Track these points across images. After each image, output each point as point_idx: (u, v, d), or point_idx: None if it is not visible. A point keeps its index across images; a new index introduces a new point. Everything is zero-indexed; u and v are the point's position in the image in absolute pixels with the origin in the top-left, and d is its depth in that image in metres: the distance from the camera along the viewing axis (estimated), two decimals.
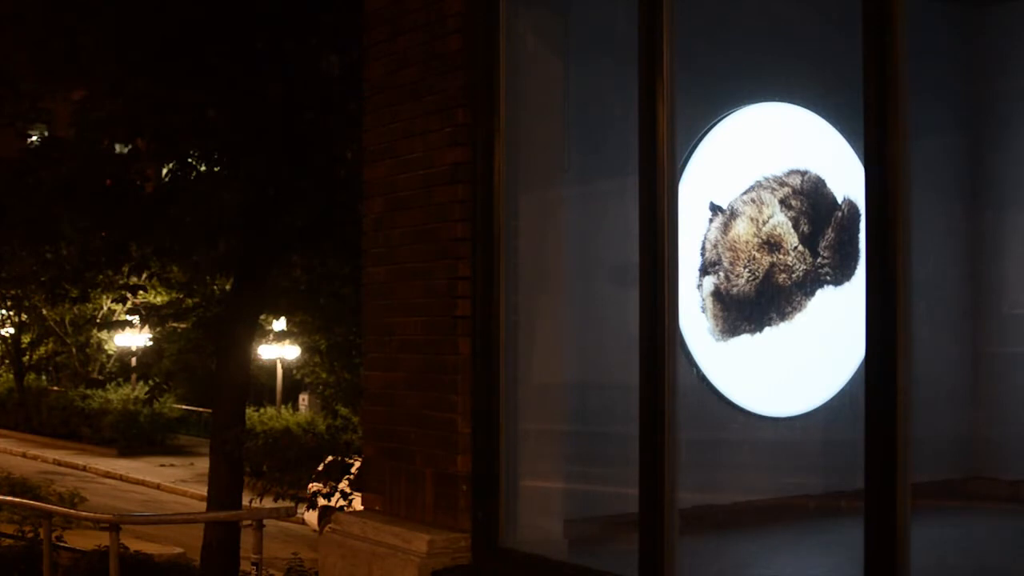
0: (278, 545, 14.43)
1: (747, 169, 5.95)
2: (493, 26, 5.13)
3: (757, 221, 5.92)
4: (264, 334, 18.45)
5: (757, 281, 5.92)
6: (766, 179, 5.98)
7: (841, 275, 6.07)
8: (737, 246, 5.87)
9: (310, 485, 11.92)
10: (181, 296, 13.71)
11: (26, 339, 29.91)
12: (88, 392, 28.83)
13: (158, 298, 16.13)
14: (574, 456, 5.53)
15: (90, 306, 24.05)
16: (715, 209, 5.83)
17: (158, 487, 23.66)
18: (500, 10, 5.14)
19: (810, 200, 6.06)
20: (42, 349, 30.26)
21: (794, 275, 5.99)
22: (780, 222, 5.96)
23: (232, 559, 11.71)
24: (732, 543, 5.58)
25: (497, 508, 5.03)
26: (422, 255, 5.37)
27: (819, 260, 6.05)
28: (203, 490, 13.89)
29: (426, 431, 5.30)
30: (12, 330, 29.77)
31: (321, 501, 10.88)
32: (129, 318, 18.04)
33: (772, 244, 5.95)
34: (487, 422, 5.07)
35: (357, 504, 8.94)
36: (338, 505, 9.86)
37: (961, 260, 6.55)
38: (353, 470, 11.11)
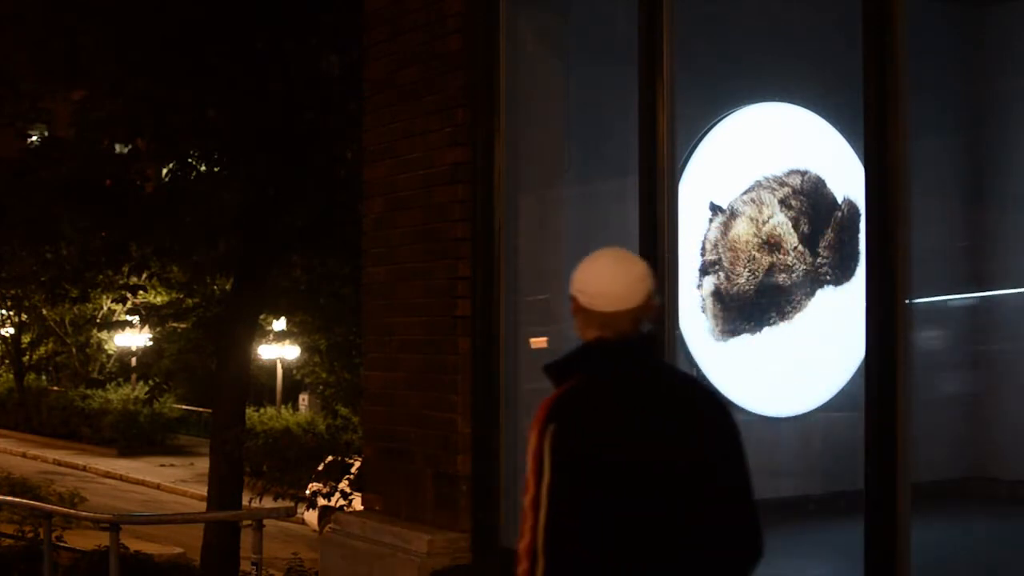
0: (278, 545, 14.42)
1: (747, 169, 5.95)
2: (493, 26, 5.13)
3: (757, 221, 5.92)
4: (264, 334, 18.44)
5: (757, 281, 5.92)
6: (766, 179, 5.98)
7: (841, 275, 6.06)
8: (737, 246, 5.87)
9: (310, 485, 11.92)
10: (181, 296, 13.69)
11: (26, 339, 29.87)
12: (88, 392, 28.79)
13: (158, 298, 16.11)
14: None
15: (90, 306, 24.01)
16: (715, 209, 5.83)
17: (158, 487, 23.64)
18: (500, 10, 5.14)
19: (810, 200, 6.06)
20: (42, 349, 30.22)
21: (794, 275, 5.99)
22: (780, 222, 5.96)
23: (232, 559, 11.70)
24: None
25: (497, 508, 5.03)
26: (422, 255, 5.37)
27: (819, 260, 6.05)
28: (203, 490, 13.88)
29: (426, 431, 5.30)
30: (12, 330, 29.73)
31: (321, 501, 10.87)
32: (129, 318, 18.02)
33: (772, 244, 5.95)
34: (487, 422, 5.07)
35: (357, 504, 8.93)
36: (338, 505, 9.86)
37: (961, 260, 6.55)
38: (353, 470, 11.11)
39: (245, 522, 10.37)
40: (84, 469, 25.55)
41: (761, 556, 2.74)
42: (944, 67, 6.37)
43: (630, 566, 2.59)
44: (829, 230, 6.08)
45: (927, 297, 5.97)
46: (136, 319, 16.15)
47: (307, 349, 18.67)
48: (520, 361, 5.19)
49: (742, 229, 5.89)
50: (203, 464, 16.16)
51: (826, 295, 6.04)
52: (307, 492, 11.54)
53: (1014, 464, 6.25)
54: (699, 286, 5.78)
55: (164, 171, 12.29)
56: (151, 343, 16.45)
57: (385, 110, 5.67)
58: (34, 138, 13.35)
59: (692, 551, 2.61)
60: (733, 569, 2.68)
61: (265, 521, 7.87)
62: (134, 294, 13.24)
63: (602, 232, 5.68)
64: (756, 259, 5.91)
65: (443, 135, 5.26)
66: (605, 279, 2.71)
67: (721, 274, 5.85)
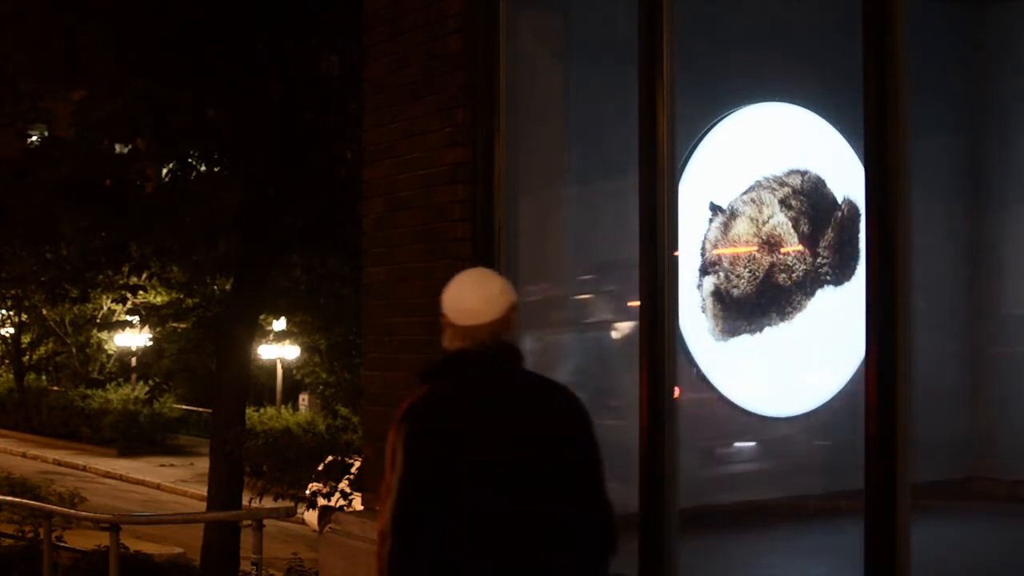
0: (278, 545, 14.41)
1: (747, 169, 5.95)
2: (493, 26, 5.13)
3: (757, 221, 5.92)
4: (264, 334, 18.43)
5: (757, 281, 5.92)
6: (766, 179, 5.98)
7: (841, 275, 6.06)
8: (737, 246, 5.87)
9: (310, 485, 11.91)
10: (181, 296, 13.69)
11: (26, 339, 29.84)
12: (88, 392, 28.76)
13: (158, 298, 16.11)
14: None
15: (90, 306, 23.99)
16: (715, 209, 5.83)
17: (158, 487, 23.64)
18: (500, 10, 5.13)
19: (810, 200, 6.06)
20: (42, 349, 30.20)
21: (794, 275, 5.99)
22: (780, 222, 5.96)
23: (232, 559, 11.71)
24: (732, 543, 5.58)
25: None
26: (422, 255, 5.37)
27: (819, 260, 6.05)
28: (203, 490, 13.87)
29: None
30: (12, 330, 29.71)
31: (321, 501, 10.87)
32: (129, 318, 18.02)
33: (772, 244, 5.95)
34: None
35: (357, 504, 8.93)
36: (338, 505, 9.85)
37: (961, 260, 6.55)
38: (353, 470, 11.10)
39: (245, 522, 10.36)
40: (84, 469, 25.55)
41: (614, 551, 3.00)
42: (944, 67, 6.37)
43: (465, 553, 2.87)
44: (829, 230, 6.08)
45: (927, 297, 5.97)
46: (136, 319, 16.15)
47: (307, 349, 18.66)
48: None
49: (742, 229, 5.89)
50: (203, 464, 16.16)
51: (826, 295, 6.04)
52: (307, 492, 11.53)
53: (1014, 464, 6.25)
54: (699, 286, 5.78)
55: (164, 171, 12.29)
56: (151, 343, 16.44)
57: (385, 110, 5.67)
58: (34, 138, 13.35)
59: (542, 546, 2.88)
60: (584, 564, 2.95)
61: (265, 521, 7.87)
62: (134, 294, 13.24)
63: (602, 232, 5.68)
64: (756, 259, 5.91)
65: (443, 135, 5.26)
66: (464, 297, 3.11)
67: (721, 274, 5.85)
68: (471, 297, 3.10)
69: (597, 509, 2.97)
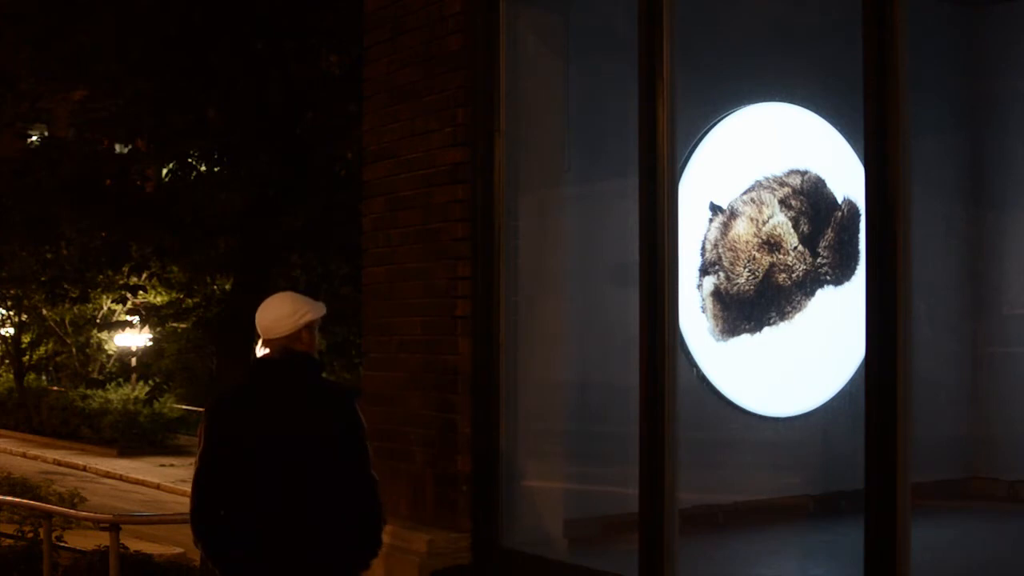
0: None
1: (747, 169, 5.95)
2: (493, 26, 5.13)
3: (757, 221, 5.92)
4: None
5: (757, 281, 5.92)
6: (766, 179, 5.98)
7: (841, 275, 6.06)
8: (737, 246, 5.87)
9: None
10: (181, 296, 13.68)
11: (26, 339, 29.84)
12: (88, 392, 28.70)
13: (158, 298, 16.10)
14: (574, 456, 5.53)
15: (90, 306, 23.99)
16: (715, 209, 5.83)
17: (158, 487, 23.61)
18: (500, 10, 5.14)
19: (810, 200, 6.06)
20: (42, 349, 30.19)
21: (794, 275, 5.99)
22: (780, 222, 5.96)
23: None
24: (732, 543, 5.58)
25: (497, 508, 5.03)
26: (422, 255, 5.37)
27: (819, 260, 6.05)
28: None
29: (426, 431, 5.30)
30: (12, 330, 29.71)
31: None
32: (129, 318, 17.99)
33: (772, 244, 5.95)
34: (487, 422, 5.07)
35: None
36: None
37: (961, 260, 6.55)
38: None
39: None
40: (84, 469, 25.53)
41: (375, 543, 3.94)
42: (944, 67, 6.37)
43: (241, 519, 3.68)
44: (829, 230, 6.08)
45: (927, 297, 5.97)
46: (136, 319, 16.13)
47: None
48: (520, 361, 5.19)
49: (742, 229, 5.89)
50: None
51: (826, 295, 6.04)
52: None
53: (1014, 464, 6.25)
54: (699, 286, 5.78)
55: (164, 171, 12.28)
56: (151, 343, 16.44)
57: (385, 110, 5.67)
58: (34, 138, 13.33)
59: (304, 521, 3.68)
60: (343, 546, 3.79)
61: None
62: (134, 294, 13.23)
63: (602, 232, 5.68)
64: (756, 259, 5.91)
65: (443, 135, 5.26)
66: (262, 315, 3.82)
67: (721, 274, 5.85)
68: (266, 316, 3.80)
69: (360, 499, 3.80)
